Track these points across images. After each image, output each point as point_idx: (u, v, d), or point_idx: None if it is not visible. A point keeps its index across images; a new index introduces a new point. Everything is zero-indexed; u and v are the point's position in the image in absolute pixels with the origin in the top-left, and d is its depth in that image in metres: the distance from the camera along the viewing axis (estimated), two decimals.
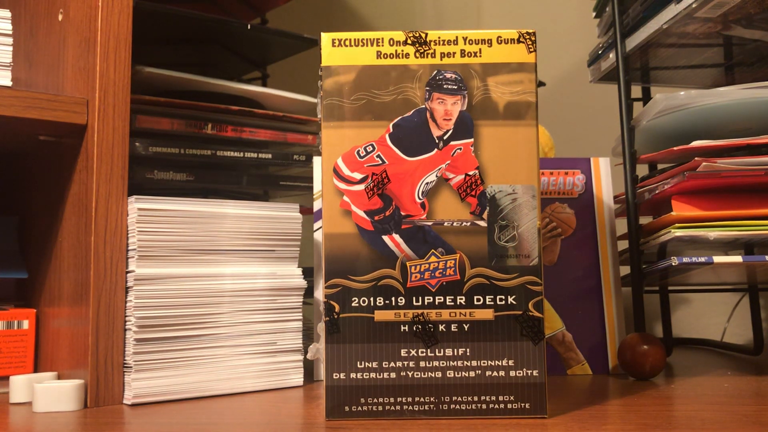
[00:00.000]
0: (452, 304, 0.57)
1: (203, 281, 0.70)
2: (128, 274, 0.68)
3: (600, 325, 0.82)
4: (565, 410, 0.60)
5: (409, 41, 0.59)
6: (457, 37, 0.59)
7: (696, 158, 0.73)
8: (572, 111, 1.25)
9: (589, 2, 1.24)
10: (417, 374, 0.57)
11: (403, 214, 0.58)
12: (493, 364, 0.57)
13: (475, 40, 0.59)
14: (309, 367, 0.88)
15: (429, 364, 0.57)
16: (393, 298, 0.57)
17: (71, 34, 0.73)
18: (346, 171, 0.58)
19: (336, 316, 0.57)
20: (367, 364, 0.57)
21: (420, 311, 0.57)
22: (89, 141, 0.68)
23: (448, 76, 0.58)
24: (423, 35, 0.59)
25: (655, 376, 0.76)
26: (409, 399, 0.57)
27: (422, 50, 0.59)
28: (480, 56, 0.59)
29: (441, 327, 0.57)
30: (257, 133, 0.83)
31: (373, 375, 0.57)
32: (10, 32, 0.69)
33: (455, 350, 0.57)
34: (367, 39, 0.59)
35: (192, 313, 0.69)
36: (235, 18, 1.04)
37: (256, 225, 0.74)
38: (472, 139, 0.58)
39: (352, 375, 0.57)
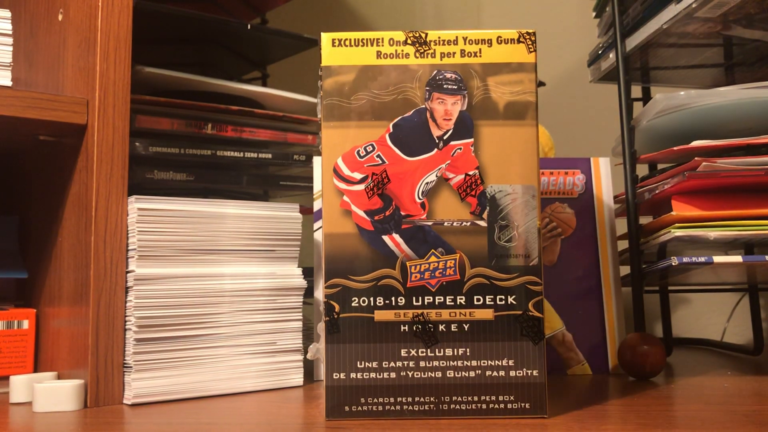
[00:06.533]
0: (452, 304, 0.57)
1: (203, 281, 0.70)
2: (128, 274, 0.68)
3: (600, 325, 0.82)
4: (565, 410, 0.60)
5: (409, 41, 0.59)
6: (457, 37, 0.59)
7: (696, 158, 0.73)
8: (572, 111, 1.25)
9: (589, 2, 1.24)
10: (417, 374, 0.57)
11: (403, 214, 0.58)
12: (493, 364, 0.57)
13: (475, 40, 0.59)
14: (309, 367, 0.88)
15: (429, 364, 0.57)
16: (393, 298, 0.57)
17: (71, 34, 0.73)
18: (346, 171, 0.58)
19: (336, 316, 0.57)
20: (367, 364, 0.57)
21: (420, 311, 0.57)
22: (89, 141, 0.68)
23: (448, 76, 0.58)
24: (423, 35, 0.59)
25: (655, 376, 0.76)
26: (409, 399, 0.57)
27: (422, 50, 0.59)
28: (480, 56, 0.59)
29: (441, 327, 0.57)
30: (257, 133, 0.83)
31: (373, 375, 0.57)
32: (10, 32, 0.69)
33: (455, 350, 0.57)
34: (367, 39, 0.59)
35: (192, 313, 0.69)
36: (235, 18, 1.04)
37: (256, 225, 0.74)
38: (472, 139, 0.58)
39: (352, 375, 0.57)
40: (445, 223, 0.58)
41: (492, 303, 0.57)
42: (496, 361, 0.57)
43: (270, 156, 0.83)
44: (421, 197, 0.58)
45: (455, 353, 0.57)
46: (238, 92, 0.84)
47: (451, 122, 0.58)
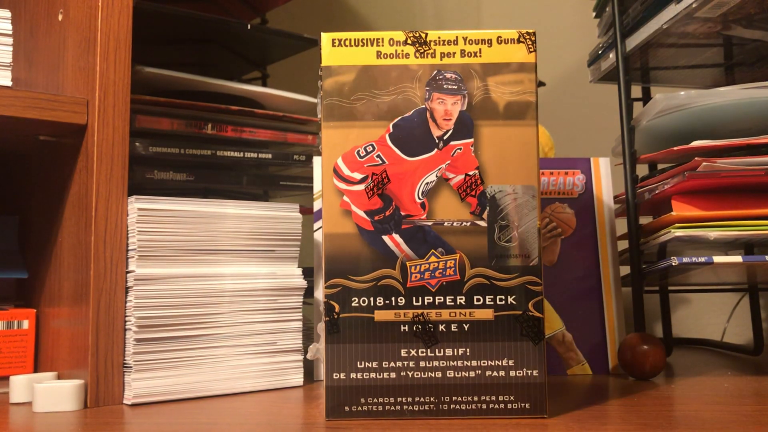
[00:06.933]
0: (452, 304, 0.57)
1: (203, 281, 0.70)
2: (128, 274, 0.68)
3: (600, 325, 0.82)
4: (565, 410, 0.60)
5: (409, 41, 0.59)
6: (457, 37, 0.59)
7: (696, 158, 0.73)
8: (572, 111, 1.25)
9: (589, 2, 1.24)
10: (417, 374, 0.57)
11: (403, 214, 0.58)
12: (493, 364, 0.57)
13: (475, 40, 0.59)
14: (309, 367, 0.88)
15: (429, 364, 0.57)
16: (393, 298, 0.57)
17: (71, 34, 0.73)
18: (346, 171, 0.58)
19: (336, 316, 0.57)
20: (367, 364, 0.57)
21: (420, 311, 0.57)
22: (89, 141, 0.68)
23: (448, 76, 0.58)
24: (423, 35, 0.59)
25: (655, 376, 0.76)
26: (409, 399, 0.57)
27: (422, 50, 0.59)
28: (480, 56, 0.59)
29: (441, 327, 0.57)
30: (257, 133, 0.83)
31: (373, 375, 0.57)
32: (10, 32, 0.69)
33: (455, 350, 0.57)
34: (367, 39, 0.59)
35: (192, 313, 0.69)
36: (235, 18, 1.04)
37: (256, 225, 0.74)
38: (472, 139, 0.58)
39: (352, 375, 0.57)
40: (445, 223, 0.58)
41: (492, 303, 0.57)
42: (496, 361, 0.57)
43: (270, 156, 0.83)
44: (421, 197, 0.58)
45: (455, 353, 0.57)
46: (238, 92, 0.84)
47: (451, 122, 0.58)
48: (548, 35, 1.27)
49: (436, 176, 0.58)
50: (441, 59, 0.59)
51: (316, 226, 0.81)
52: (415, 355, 0.57)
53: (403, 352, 0.57)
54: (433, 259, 0.58)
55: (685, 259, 0.74)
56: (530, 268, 0.58)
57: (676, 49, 0.86)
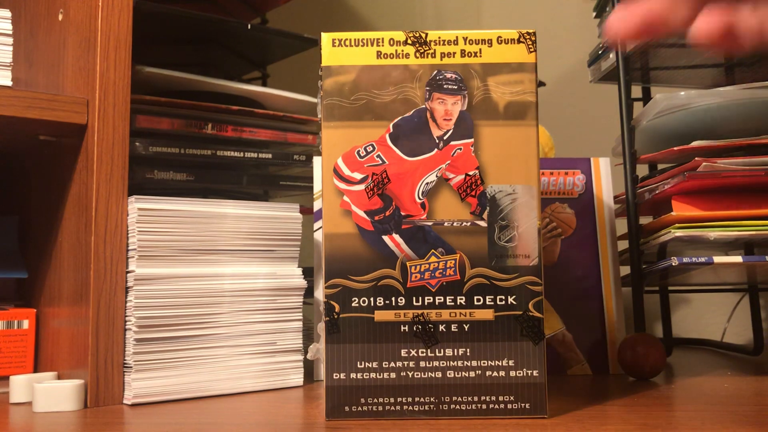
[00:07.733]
0: (452, 304, 0.57)
1: (203, 281, 0.70)
2: (128, 274, 0.68)
3: (600, 325, 0.82)
4: (565, 410, 0.60)
5: (409, 41, 0.59)
6: (457, 37, 0.59)
7: (696, 158, 0.73)
8: (572, 111, 1.25)
9: (589, 2, 1.24)
10: (417, 374, 0.57)
11: (403, 214, 0.58)
12: (493, 364, 0.57)
13: (475, 40, 0.59)
14: (309, 367, 0.88)
15: (429, 364, 0.57)
16: (393, 298, 0.57)
17: (71, 34, 0.73)
18: (346, 171, 0.58)
19: (336, 316, 0.57)
20: (367, 364, 0.57)
21: (420, 311, 0.57)
22: (89, 141, 0.68)
23: (449, 76, 0.58)
24: (423, 35, 0.59)
25: (655, 376, 0.76)
26: (409, 399, 0.57)
27: (422, 50, 0.59)
28: (480, 56, 0.59)
29: (441, 327, 0.57)
30: (257, 133, 0.83)
31: (373, 375, 0.57)
32: (10, 32, 0.69)
33: (455, 350, 0.57)
34: (367, 39, 0.59)
35: (192, 313, 0.69)
36: (235, 18, 1.04)
37: (256, 225, 0.74)
38: (472, 139, 0.58)
39: (352, 375, 0.57)
40: (445, 223, 0.58)
41: (492, 303, 0.57)
42: (496, 362, 0.57)
43: (270, 156, 0.83)
44: (421, 197, 0.58)
45: (455, 353, 0.57)
46: (238, 92, 0.84)
47: (451, 122, 0.58)
48: (548, 35, 1.27)
49: (436, 176, 0.58)
50: (441, 59, 0.59)
51: (316, 226, 0.81)
52: (415, 355, 0.57)
53: (403, 352, 0.57)
54: (433, 259, 0.58)
55: (685, 260, 0.74)
56: (530, 268, 0.58)
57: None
